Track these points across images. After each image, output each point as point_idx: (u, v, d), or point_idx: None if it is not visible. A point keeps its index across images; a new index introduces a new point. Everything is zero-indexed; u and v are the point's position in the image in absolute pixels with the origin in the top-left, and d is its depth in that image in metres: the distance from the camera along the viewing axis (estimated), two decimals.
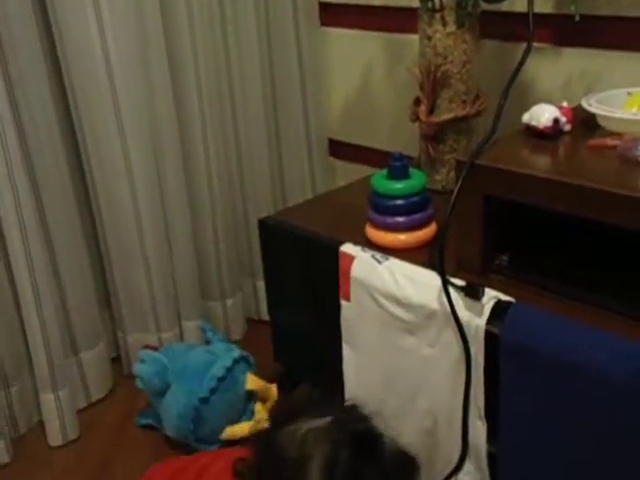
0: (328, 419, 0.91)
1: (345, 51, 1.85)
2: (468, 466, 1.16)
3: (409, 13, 1.48)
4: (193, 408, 1.47)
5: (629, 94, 1.17)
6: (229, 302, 1.87)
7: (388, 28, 1.72)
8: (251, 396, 1.57)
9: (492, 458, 1.12)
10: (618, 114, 1.11)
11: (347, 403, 0.99)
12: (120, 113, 1.54)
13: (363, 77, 1.83)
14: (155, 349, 1.60)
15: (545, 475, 1.05)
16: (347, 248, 1.25)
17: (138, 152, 1.59)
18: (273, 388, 1.61)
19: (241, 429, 1.53)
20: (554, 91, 1.42)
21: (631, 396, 0.91)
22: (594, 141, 1.09)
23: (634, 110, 1.12)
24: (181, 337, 1.79)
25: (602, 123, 1.13)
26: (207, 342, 1.66)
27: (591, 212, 0.97)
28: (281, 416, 0.96)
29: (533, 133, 1.14)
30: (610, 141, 1.06)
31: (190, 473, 1.09)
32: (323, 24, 1.86)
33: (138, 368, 1.53)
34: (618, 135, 1.07)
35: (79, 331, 1.65)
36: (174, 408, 1.49)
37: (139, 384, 1.53)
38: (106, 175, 1.59)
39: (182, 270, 1.75)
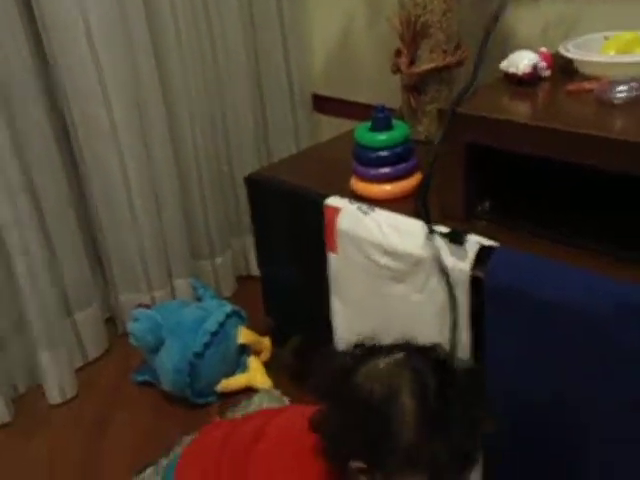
0: (400, 354, 0.91)
1: (325, 5, 1.84)
2: None
3: None
4: (188, 362, 1.51)
5: (606, 38, 1.18)
6: (219, 260, 1.90)
7: None
8: (244, 349, 1.61)
9: None
10: (594, 58, 1.12)
11: (403, 342, 0.96)
12: (102, 73, 1.54)
13: (344, 31, 1.82)
14: (148, 307, 1.63)
15: (531, 414, 1.09)
16: (333, 201, 1.26)
17: (122, 113, 1.59)
18: (265, 341, 1.65)
19: (236, 381, 1.57)
20: (533, 38, 1.43)
21: (613, 331, 0.94)
22: (572, 86, 1.10)
23: (611, 54, 1.14)
24: (173, 295, 1.82)
25: (579, 68, 1.15)
26: (199, 299, 1.69)
27: (570, 155, 0.99)
28: (346, 365, 0.92)
29: (513, 80, 1.15)
30: (587, 85, 1.08)
31: (246, 431, 1.07)
32: None
33: (132, 326, 1.56)
34: (595, 79, 1.08)
35: (72, 292, 1.68)
36: (170, 363, 1.52)
37: (133, 341, 1.56)
38: (91, 137, 1.60)
39: (171, 229, 1.76)
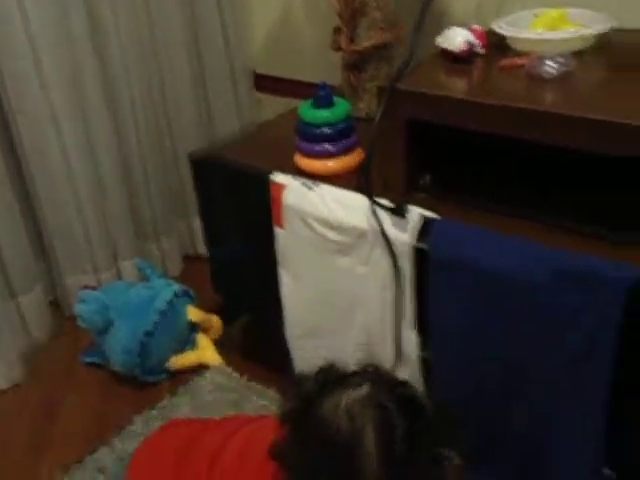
0: (366, 386, 0.87)
1: None
2: (402, 374, 1.25)
3: None
4: (139, 342, 1.52)
5: (535, 15, 1.23)
6: (164, 240, 1.90)
7: None
8: (194, 327, 1.63)
9: (425, 365, 1.22)
10: (524, 35, 1.17)
11: (371, 369, 0.93)
12: (39, 54, 1.51)
13: (284, 9, 1.83)
14: (94, 289, 1.63)
15: (475, 378, 1.14)
16: (278, 177, 1.29)
17: (61, 94, 1.57)
18: (214, 318, 1.67)
19: (186, 358, 1.59)
20: (468, 14, 1.47)
21: (549, 296, 1.00)
22: (505, 61, 1.15)
23: (539, 30, 1.19)
24: (119, 277, 1.82)
25: (511, 44, 1.19)
26: (146, 279, 1.70)
27: (504, 129, 1.03)
28: (309, 392, 0.90)
29: (449, 56, 1.19)
30: (519, 60, 1.13)
31: (203, 453, 1.03)
32: None
33: (78, 308, 1.56)
34: (526, 55, 1.13)
35: (14, 275, 1.65)
36: (119, 344, 1.53)
37: (81, 323, 1.56)
38: (29, 119, 1.57)
39: (115, 210, 1.76)
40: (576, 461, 1.06)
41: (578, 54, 1.12)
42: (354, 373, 0.92)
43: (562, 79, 1.07)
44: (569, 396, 1.03)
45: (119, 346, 1.53)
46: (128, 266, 1.81)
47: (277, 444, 0.91)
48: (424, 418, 0.86)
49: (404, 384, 0.91)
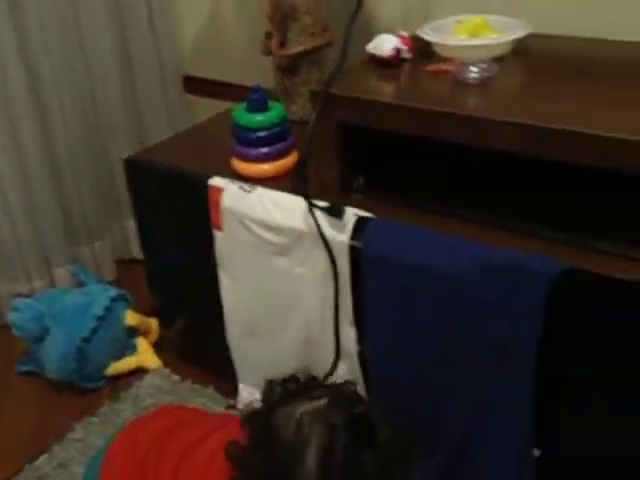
0: (324, 401, 0.88)
1: None
2: (342, 368, 1.30)
3: None
4: (76, 348, 1.51)
5: (458, 22, 1.29)
6: (98, 244, 1.88)
7: None
8: (132, 331, 1.62)
9: (363, 359, 1.26)
10: (448, 41, 1.22)
11: (341, 383, 0.95)
12: None
13: (214, 10, 1.84)
14: (27, 297, 1.60)
15: (410, 370, 1.19)
16: (215, 181, 1.31)
17: None
18: (152, 321, 1.67)
19: (126, 363, 1.58)
20: (395, 20, 1.52)
21: (474, 289, 1.05)
22: (431, 67, 1.20)
23: (463, 37, 1.24)
24: (52, 284, 1.79)
25: (437, 50, 1.25)
26: (81, 285, 1.68)
27: (431, 132, 1.09)
28: (275, 398, 0.92)
29: (378, 62, 1.24)
30: (444, 66, 1.18)
31: (173, 453, 1.02)
32: None
33: (12, 317, 1.53)
34: (450, 60, 1.19)
35: None
36: (55, 351, 1.51)
37: (16, 332, 1.54)
38: None
39: (45, 216, 1.73)
40: (506, 445, 1.12)
41: (499, 59, 1.19)
42: (319, 385, 0.94)
43: (485, 84, 1.13)
44: (497, 383, 1.09)
45: (55, 353, 1.52)
46: (62, 273, 1.79)
47: (234, 445, 0.92)
48: (376, 441, 0.86)
49: (364, 403, 0.92)
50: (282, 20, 1.45)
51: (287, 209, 1.22)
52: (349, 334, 1.25)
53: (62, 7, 1.65)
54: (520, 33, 1.21)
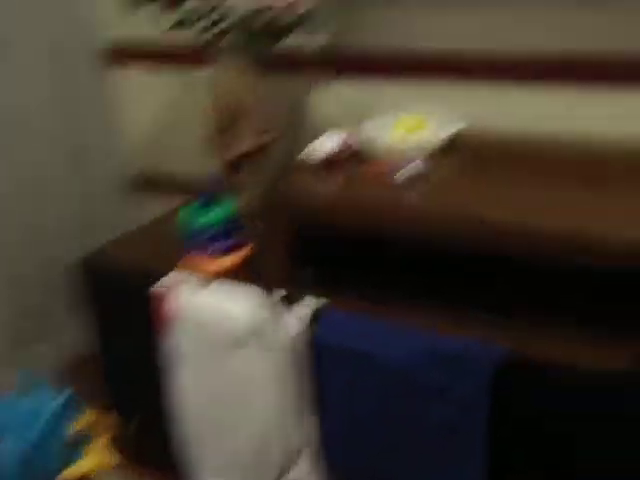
0: None
1: (139, 88, 1.90)
2: (306, 456, 1.29)
3: (199, 51, 1.57)
4: (22, 458, 1.45)
5: (396, 119, 1.36)
6: (44, 346, 1.84)
7: (180, 65, 1.81)
8: (83, 435, 1.58)
9: (323, 446, 1.26)
10: (384, 140, 1.30)
11: None
12: None
13: (161, 111, 1.90)
14: None
15: (362, 457, 1.21)
16: (168, 278, 1.32)
17: None
18: (107, 418, 1.63)
19: (78, 468, 1.53)
20: (338, 119, 1.59)
21: (421, 378, 1.09)
22: (368, 166, 1.27)
23: (400, 133, 1.32)
24: None
25: (374, 148, 1.32)
26: (27, 391, 1.63)
27: (370, 229, 1.16)
28: None
29: (321, 161, 1.30)
30: (379, 166, 1.25)
31: None
32: (114, 64, 1.91)
33: None
34: (387, 158, 1.26)
35: None
36: (1, 460, 1.46)
37: None
38: None
39: None
40: None
41: (433, 155, 1.27)
42: None
43: (418, 180, 1.20)
44: (446, 467, 1.13)
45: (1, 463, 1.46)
46: (8, 378, 1.74)
47: None
48: None
49: None
50: (227, 120, 1.51)
51: (242, 301, 1.24)
52: (308, 424, 1.25)
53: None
54: (452, 129, 1.30)
